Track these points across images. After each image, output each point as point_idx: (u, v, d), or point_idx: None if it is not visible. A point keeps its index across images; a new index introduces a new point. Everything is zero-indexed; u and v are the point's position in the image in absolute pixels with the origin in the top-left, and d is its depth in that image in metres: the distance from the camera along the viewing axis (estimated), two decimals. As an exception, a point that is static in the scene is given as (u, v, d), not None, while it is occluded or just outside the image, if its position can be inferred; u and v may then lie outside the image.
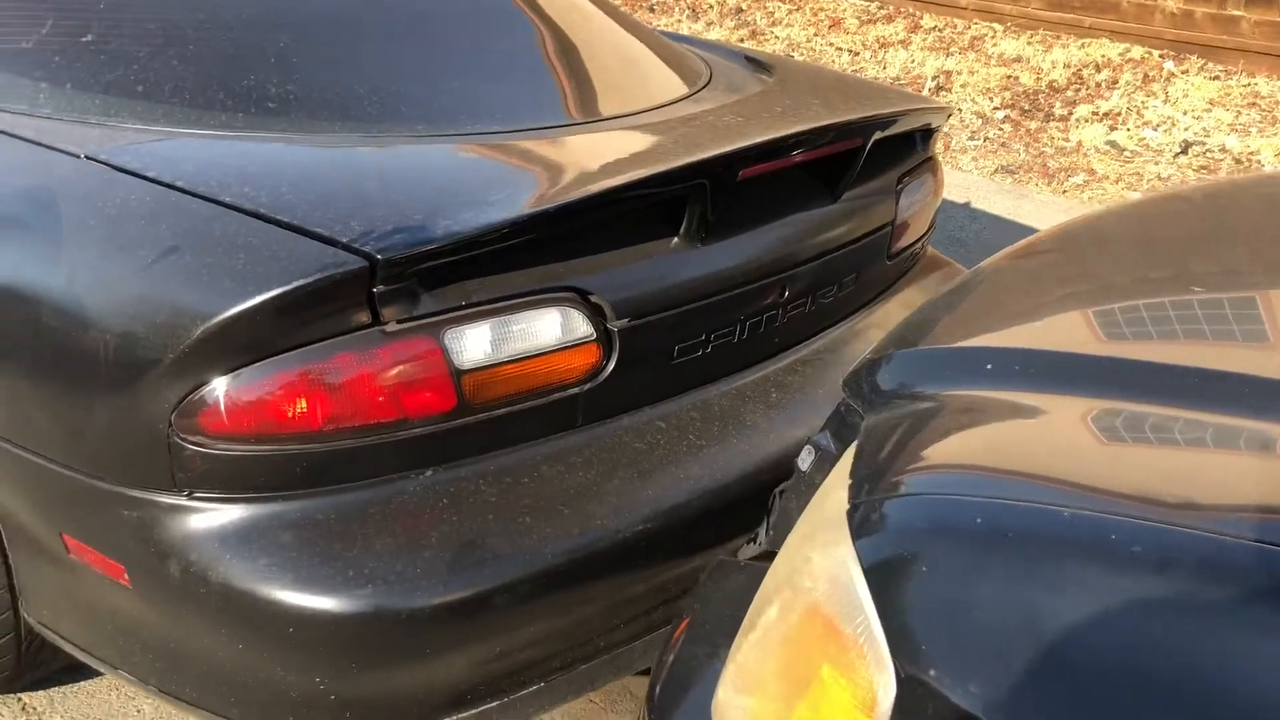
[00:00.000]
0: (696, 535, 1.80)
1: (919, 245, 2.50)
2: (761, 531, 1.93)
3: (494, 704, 1.71)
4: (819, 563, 1.10)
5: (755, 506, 1.88)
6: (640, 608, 1.83)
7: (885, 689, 0.95)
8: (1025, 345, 1.39)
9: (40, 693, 2.29)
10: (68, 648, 1.90)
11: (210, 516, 1.56)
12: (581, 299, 1.72)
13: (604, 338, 1.74)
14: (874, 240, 2.24)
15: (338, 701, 1.60)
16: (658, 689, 1.35)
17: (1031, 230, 4.54)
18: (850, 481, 1.14)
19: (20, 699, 2.27)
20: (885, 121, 2.12)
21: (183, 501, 1.56)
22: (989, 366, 1.25)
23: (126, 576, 1.62)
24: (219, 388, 1.51)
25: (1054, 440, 1.16)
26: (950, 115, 2.54)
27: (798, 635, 1.10)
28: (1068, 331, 1.49)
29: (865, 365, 1.44)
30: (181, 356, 1.48)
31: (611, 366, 1.76)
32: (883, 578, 1.00)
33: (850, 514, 1.07)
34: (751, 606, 1.28)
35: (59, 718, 2.25)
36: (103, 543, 1.64)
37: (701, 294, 1.85)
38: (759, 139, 1.85)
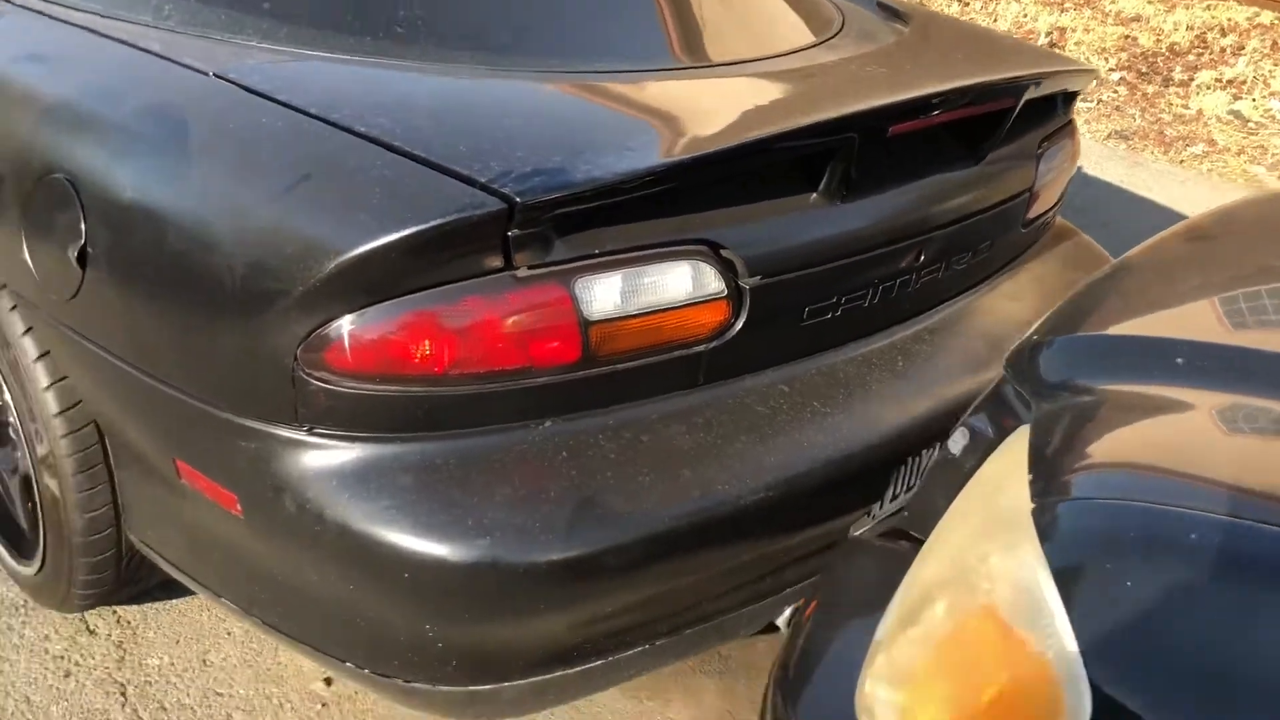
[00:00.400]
0: (815, 507, 1.74)
1: (1051, 214, 2.38)
2: (878, 506, 1.87)
3: (597, 663, 1.67)
4: (998, 564, 1.03)
5: (877, 480, 1.81)
6: (750, 576, 1.77)
7: (1076, 707, 0.88)
8: (1204, 339, 1.30)
9: (134, 607, 2.30)
10: (169, 569, 1.89)
11: (329, 454, 1.52)
12: (714, 253, 1.64)
13: (734, 295, 1.67)
14: (1012, 206, 2.13)
15: (444, 649, 1.57)
16: (790, 671, 1.29)
17: (1146, 200, 4.36)
18: (1031, 478, 1.07)
19: (115, 612, 2.29)
20: (1036, 81, 2.00)
21: (302, 436, 1.52)
22: (1178, 360, 1.16)
23: (239, 507, 1.60)
24: (346, 324, 1.46)
25: (1259, 447, 1.07)
26: (1096, 79, 2.40)
27: (970, 639, 1.03)
28: (1237, 324, 1.39)
29: (1029, 348, 1.35)
30: (311, 290, 1.44)
31: (740, 325, 1.69)
32: (1076, 587, 0.93)
33: (1036, 515, 1.00)
34: (902, 596, 1.22)
35: (152, 632, 2.26)
36: (217, 471, 1.62)
37: (837, 254, 1.76)
38: (913, 94, 1.75)
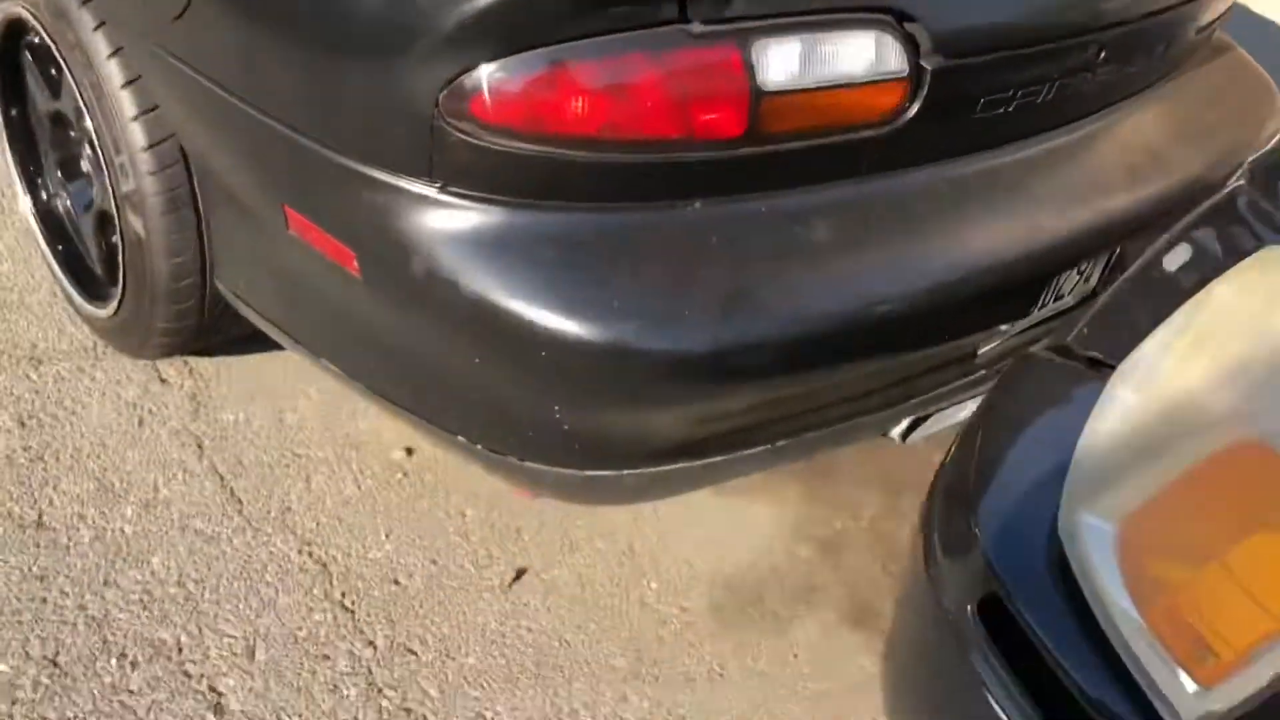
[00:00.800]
0: (962, 317, 1.63)
1: (1220, 21, 2.16)
2: (1019, 322, 1.75)
3: (719, 459, 1.60)
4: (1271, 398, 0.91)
5: (1026, 294, 1.69)
6: (883, 383, 1.68)
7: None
8: None
9: (207, 360, 2.22)
10: (262, 324, 1.79)
11: (465, 215, 1.38)
12: (898, 25, 1.46)
13: (914, 76, 1.49)
14: (1191, 7, 1.92)
15: (570, 432, 1.48)
16: (969, 482, 1.20)
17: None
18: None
19: (188, 363, 2.21)
20: None
21: (434, 193, 1.39)
22: None
23: (356, 265, 1.48)
24: (496, 71, 1.30)
25: None
26: None
27: (1238, 475, 0.93)
28: None
29: (1271, 163, 1.20)
30: (458, 28, 1.27)
31: (914, 111, 1.52)
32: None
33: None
34: (1115, 423, 1.11)
35: (225, 387, 2.19)
36: (334, 225, 1.48)
37: (1024, 41, 1.58)
38: None
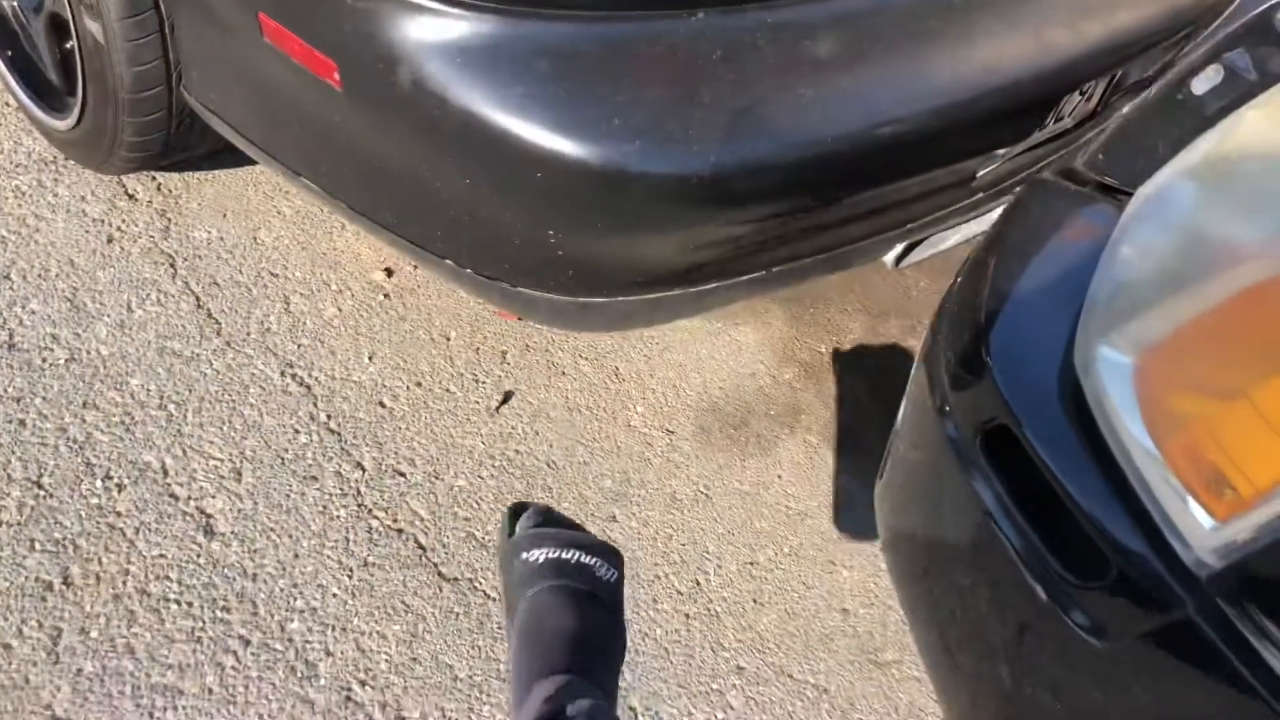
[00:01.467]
0: (970, 136, 1.57)
1: None
2: (1025, 143, 1.70)
3: (715, 285, 1.56)
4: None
5: (1034, 114, 1.64)
6: (882, 205, 1.63)
7: None
8: None
9: (175, 175, 2.13)
10: (237, 140, 1.70)
11: (455, 24, 1.30)
12: None
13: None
14: None
15: (564, 258, 1.44)
16: (980, 312, 1.18)
17: None
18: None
19: (155, 179, 2.11)
20: None
21: (425, 0, 1.29)
22: None
23: (338, 78, 1.39)
24: None
25: None
26: None
27: (1270, 310, 0.91)
28: None
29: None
30: None
31: (929, -83, 1.43)
32: None
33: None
34: (1138, 250, 1.08)
35: (195, 203, 2.11)
36: (313, 33, 1.39)
37: None
38: None
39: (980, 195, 1.81)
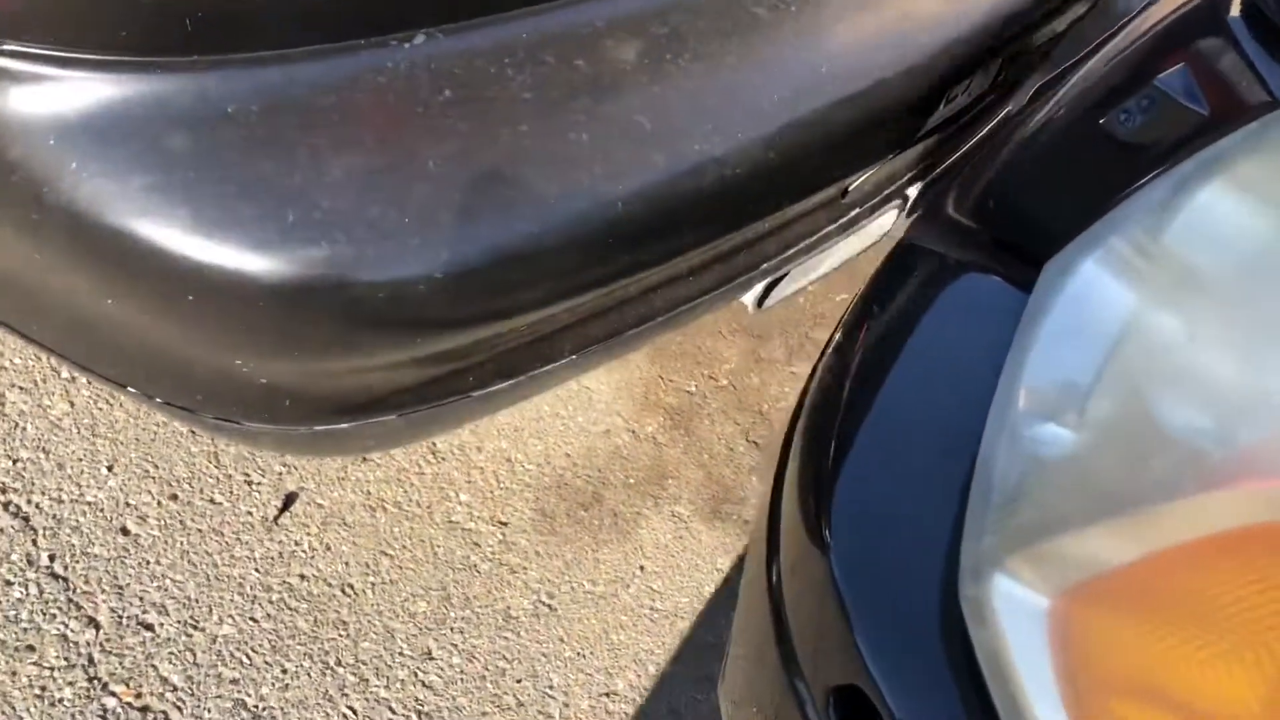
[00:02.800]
0: (830, 161, 1.18)
1: None
2: (900, 151, 1.32)
3: (503, 385, 1.17)
4: None
5: (910, 119, 1.26)
6: (723, 252, 1.24)
7: None
8: None
9: None
10: None
11: (39, 89, 0.87)
12: None
13: None
14: None
15: (270, 387, 1.03)
16: (826, 461, 0.80)
17: None
18: None
19: None
20: None
21: (-16, 57, 0.86)
22: None
23: (-94, 165, 0.96)
24: None
25: None
26: None
27: (1248, 573, 0.54)
28: None
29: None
30: None
31: None
32: None
33: None
34: (1043, 429, 0.71)
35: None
36: None
37: None
38: None
39: (856, 211, 1.43)
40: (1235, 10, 0.78)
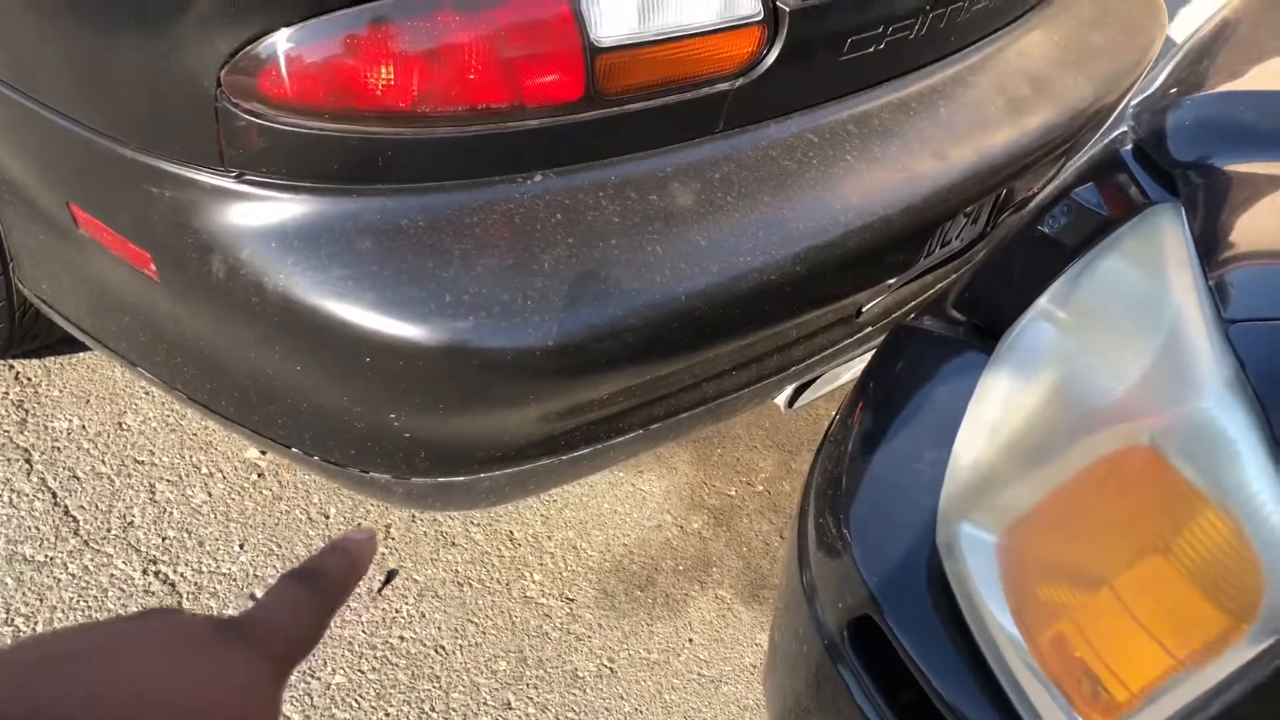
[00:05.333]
0: (841, 278, 1.49)
1: (1102, -66, 2.04)
2: (911, 272, 1.63)
3: (586, 451, 1.46)
4: (1162, 393, 0.80)
5: (910, 247, 1.57)
6: (759, 353, 1.55)
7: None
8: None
9: (35, 362, 2.01)
10: (75, 331, 1.60)
11: (268, 207, 1.21)
12: (749, -35, 1.31)
13: (770, 19, 1.34)
14: (1072, -77, 1.79)
15: (412, 441, 1.33)
16: (840, 486, 1.08)
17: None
18: (1211, 282, 0.82)
19: (13, 368, 2.00)
20: None
21: (232, 185, 1.21)
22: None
23: (153, 267, 1.30)
24: (284, 41, 1.12)
25: None
26: None
27: (1119, 486, 0.81)
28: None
29: (1158, 110, 1.08)
30: (234, -9, 1.08)
31: (773, 58, 1.37)
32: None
33: (1233, 332, 0.76)
34: (998, 415, 0.99)
35: (56, 390, 1.99)
36: (124, 223, 1.30)
37: (892, -27, 1.44)
38: None
39: (869, 329, 1.74)
40: (1128, 146, 1.10)
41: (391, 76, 1.16)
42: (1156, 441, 0.79)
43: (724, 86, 1.36)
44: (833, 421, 1.24)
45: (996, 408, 1.01)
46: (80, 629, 0.37)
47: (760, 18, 1.32)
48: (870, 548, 1.00)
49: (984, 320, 1.22)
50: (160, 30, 1.13)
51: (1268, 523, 0.71)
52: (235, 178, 1.20)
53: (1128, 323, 0.93)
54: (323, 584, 0.44)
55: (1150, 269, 0.94)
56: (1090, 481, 0.84)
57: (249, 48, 1.12)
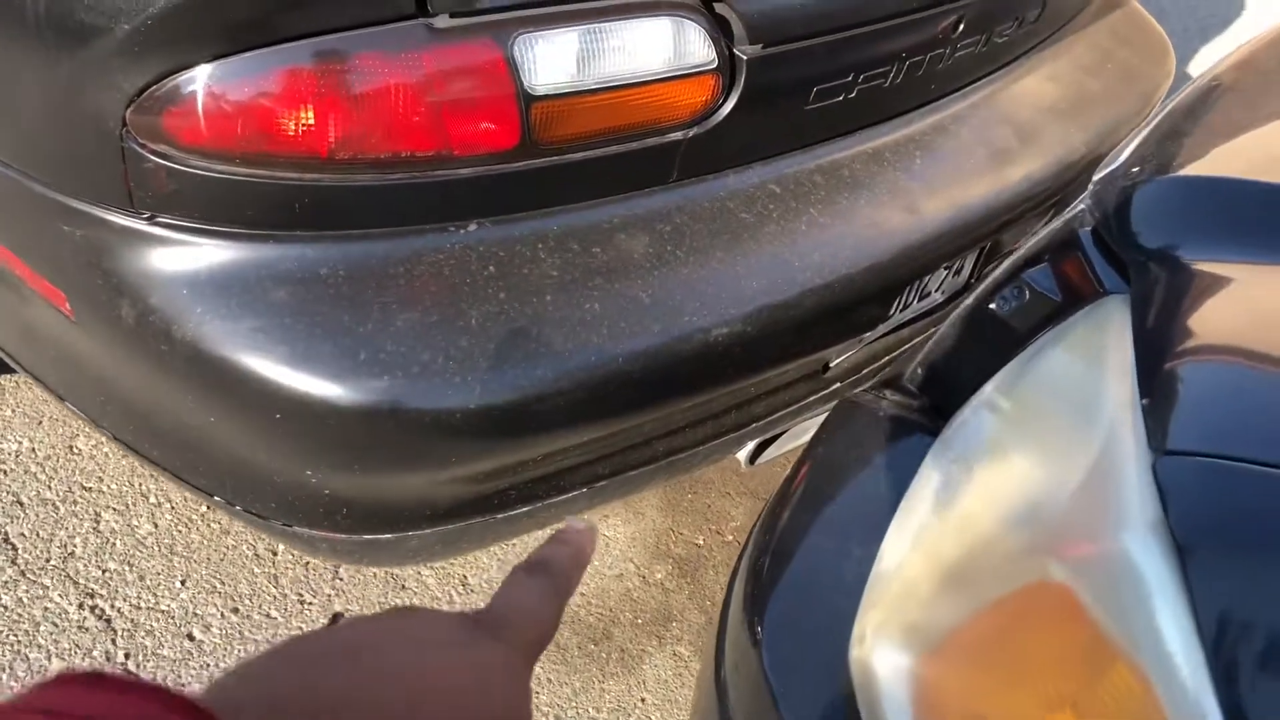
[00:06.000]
0: (800, 339, 1.42)
1: (1108, -26, 1.95)
2: (883, 327, 1.55)
3: (523, 510, 1.39)
4: (1092, 522, 0.72)
5: (875, 307, 1.49)
6: (713, 412, 1.47)
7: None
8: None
9: (6, 378, 1.97)
10: (8, 360, 1.55)
11: (180, 252, 1.15)
12: (705, 8, 1.24)
13: (726, 67, 1.27)
14: (1070, -36, 1.71)
15: (332, 498, 1.26)
16: (762, 572, 1.00)
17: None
18: (1143, 400, 0.74)
19: (-34, 384, 1.95)
20: None
21: (144, 226, 1.15)
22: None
23: (68, 307, 1.24)
24: (194, 80, 1.06)
25: None
26: None
27: (1029, 617, 0.74)
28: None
29: (1119, 189, 1.00)
30: (143, 28, 1.02)
31: (729, 107, 1.30)
32: (1204, 575, 0.63)
33: (1160, 465, 0.68)
34: (923, 520, 0.91)
35: (8, 410, 1.94)
36: (37, 260, 1.24)
37: (866, 17, 1.36)
38: None
39: (838, 385, 1.66)
40: (1087, 227, 1.02)
41: (310, 119, 1.09)
42: (1072, 578, 0.71)
43: (676, 136, 1.29)
44: (769, 499, 1.17)
45: (926, 508, 0.93)
46: (348, 625, 0.40)
47: (715, 66, 1.25)
48: (780, 656, 0.92)
49: (935, 399, 1.14)
50: (64, 61, 1.07)
51: (1178, 681, 0.63)
52: (147, 220, 1.14)
53: (1065, 427, 0.85)
54: (555, 574, 0.46)
55: (1092, 370, 0.86)
56: (1008, 613, 0.77)
57: (155, 86, 1.06)
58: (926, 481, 0.96)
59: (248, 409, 1.16)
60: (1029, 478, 0.84)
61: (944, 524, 0.88)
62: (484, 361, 1.17)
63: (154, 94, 1.06)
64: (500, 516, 1.38)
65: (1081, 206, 1.03)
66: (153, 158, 1.09)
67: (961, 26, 1.50)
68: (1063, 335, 0.93)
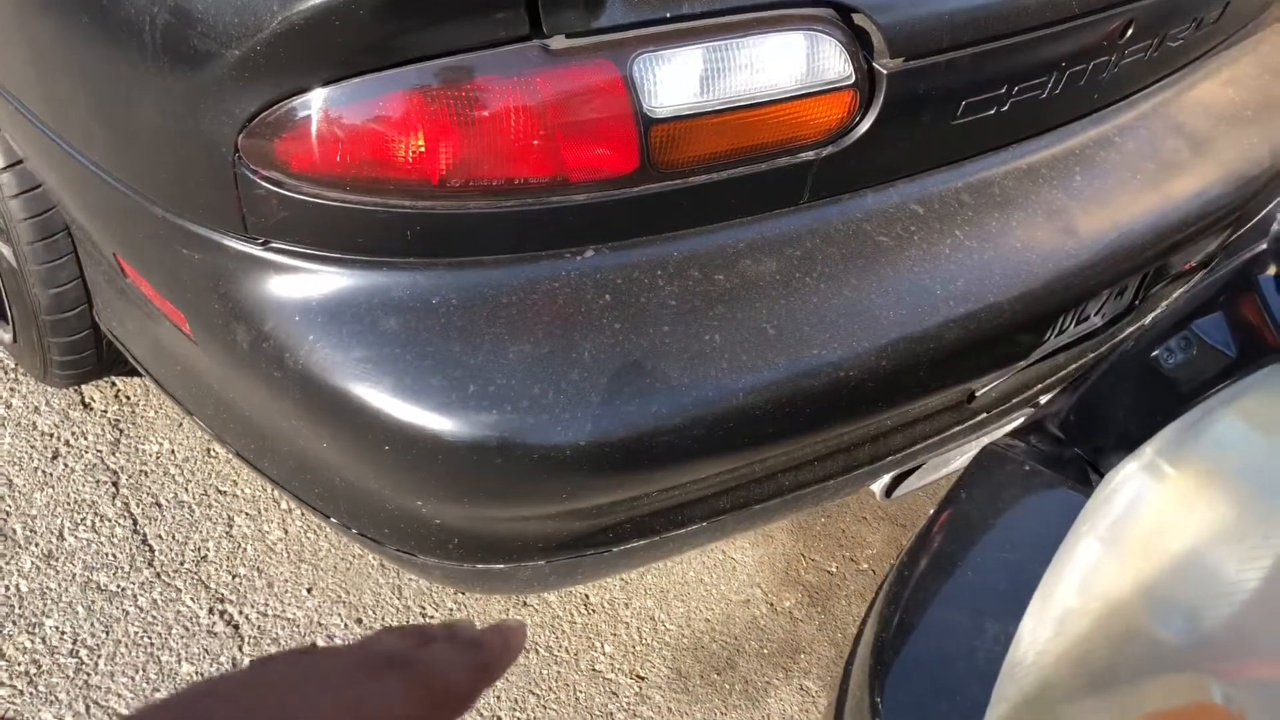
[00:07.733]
0: (939, 372, 1.31)
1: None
2: (1033, 355, 1.44)
3: (640, 543, 1.33)
4: (1261, 636, 0.62)
5: (1025, 339, 1.38)
6: (843, 446, 1.38)
7: None
8: None
9: (136, 380, 2.02)
10: (143, 373, 1.57)
11: (292, 279, 1.13)
12: (842, 20, 1.15)
13: (865, 82, 1.18)
14: (1258, -43, 1.54)
15: (442, 528, 1.23)
16: (884, 655, 0.92)
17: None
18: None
19: (115, 385, 2.01)
20: None
21: (259, 252, 1.13)
22: None
23: (188, 328, 1.24)
24: (306, 106, 1.03)
25: None
26: None
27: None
28: None
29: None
30: (253, 53, 1.00)
31: (868, 124, 1.21)
32: None
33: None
34: (1069, 598, 0.82)
35: (153, 412, 1.99)
36: (160, 280, 1.25)
37: (1020, 25, 1.24)
38: None
39: (984, 415, 1.55)
40: (1269, 271, 0.90)
41: (422, 145, 1.06)
42: (1233, 702, 0.61)
43: (808, 155, 1.20)
44: (901, 554, 1.08)
45: (1072, 586, 0.83)
46: (252, 665, 0.41)
47: (852, 81, 1.16)
48: (902, 743, 0.84)
49: (1086, 450, 1.03)
50: (179, 86, 1.06)
51: None
52: (261, 245, 1.13)
53: (1240, 512, 0.74)
54: (482, 654, 0.47)
55: (1275, 443, 0.75)
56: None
57: (266, 112, 1.03)
58: (1073, 553, 0.86)
59: (358, 439, 1.14)
60: (1193, 567, 0.73)
61: (1090, 609, 0.78)
62: (596, 396, 1.11)
63: (265, 120, 1.04)
64: (616, 550, 1.33)
65: (1262, 247, 0.91)
66: (264, 184, 1.07)
67: (1130, 31, 1.37)
68: (1237, 397, 0.82)
